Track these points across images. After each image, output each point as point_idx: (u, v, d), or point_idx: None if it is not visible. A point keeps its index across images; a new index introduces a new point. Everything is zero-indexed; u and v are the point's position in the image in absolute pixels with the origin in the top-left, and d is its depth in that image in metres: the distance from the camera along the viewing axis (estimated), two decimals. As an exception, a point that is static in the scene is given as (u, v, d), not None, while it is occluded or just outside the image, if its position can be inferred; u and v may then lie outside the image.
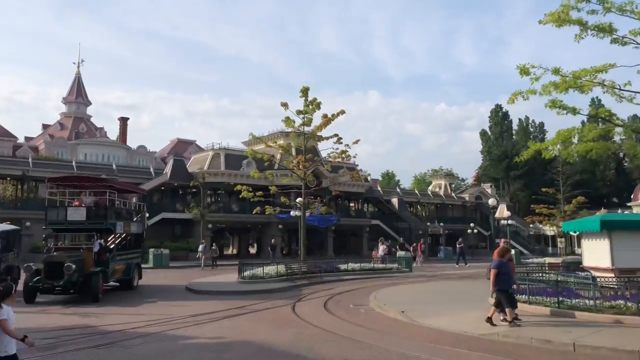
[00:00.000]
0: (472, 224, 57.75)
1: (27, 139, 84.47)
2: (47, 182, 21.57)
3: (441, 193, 68.33)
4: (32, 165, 42.82)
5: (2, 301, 5.73)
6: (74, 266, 16.10)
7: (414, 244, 40.51)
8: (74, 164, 47.84)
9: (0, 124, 78.00)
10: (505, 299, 11.57)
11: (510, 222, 41.36)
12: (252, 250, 55.92)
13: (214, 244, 37.03)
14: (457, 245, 39.20)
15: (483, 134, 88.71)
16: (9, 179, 43.48)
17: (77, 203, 19.22)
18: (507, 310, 11.53)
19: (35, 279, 16.15)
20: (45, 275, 16.07)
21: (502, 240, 14.60)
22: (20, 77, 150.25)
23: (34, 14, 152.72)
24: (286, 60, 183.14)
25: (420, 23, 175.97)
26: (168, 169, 47.15)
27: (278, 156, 40.58)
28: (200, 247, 33.92)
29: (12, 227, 22.89)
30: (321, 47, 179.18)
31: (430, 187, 74.36)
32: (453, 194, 68.88)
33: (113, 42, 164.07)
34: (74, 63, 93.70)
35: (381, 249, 35.21)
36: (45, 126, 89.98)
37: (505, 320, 11.60)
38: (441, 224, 58.51)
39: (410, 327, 12.28)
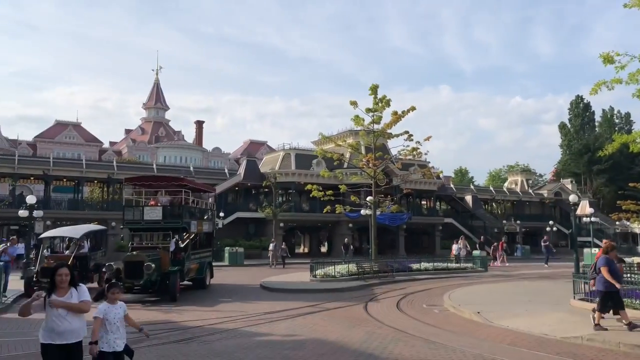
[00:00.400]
0: (551, 222, 55.11)
1: (112, 143, 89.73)
2: (124, 183, 22.27)
3: (517, 189, 65.71)
4: (116, 168, 45.40)
5: (99, 301, 6.26)
6: (153, 265, 16.34)
7: (495, 243, 39.29)
8: (154, 166, 50.32)
9: (88, 130, 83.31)
10: (602, 300, 10.71)
11: (593, 219, 38.97)
12: (323, 249, 56.34)
13: (283, 242, 37.26)
14: (543, 244, 37.27)
15: (562, 127, 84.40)
16: (96, 181, 46.32)
17: (152, 202, 19.45)
18: (596, 313, 10.79)
19: (115, 279, 16.57)
20: (125, 275, 16.24)
21: (605, 240, 13.63)
22: (104, 86, 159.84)
23: (116, 26, 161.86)
24: (354, 59, 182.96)
25: (492, 14, 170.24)
26: (241, 170, 48.46)
27: (347, 155, 40.68)
28: (271, 246, 34.43)
29: (99, 227, 24.40)
30: (390, 44, 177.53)
31: (505, 184, 71.71)
32: (530, 191, 66.03)
33: (188, 48, 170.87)
34: (153, 70, 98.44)
35: (454, 247, 34.45)
36: (127, 131, 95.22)
37: (621, 321, 10.64)
38: (518, 221, 56.28)
39: (486, 328, 11.92)
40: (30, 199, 23.81)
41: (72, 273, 5.74)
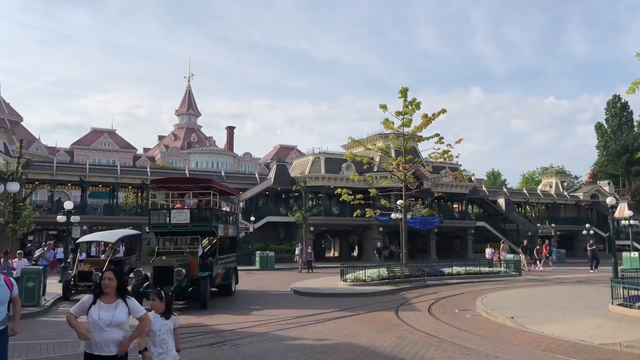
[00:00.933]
0: (587, 225, 53.68)
1: (145, 149, 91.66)
2: (151, 185, 21.03)
3: (552, 192, 64.28)
4: (150, 174, 46.29)
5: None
6: (184, 271, 15.70)
7: (537, 246, 38.37)
8: (186, 171, 51.18)
9: (122, 137, 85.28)
10: None
11: (632, 222, 37.83)
12: (353, 253, 56.19)
13: (309, 246, 36.38)
14: (589, 248, 35.97)
15: (598, 127, 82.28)
16: (130, 187, 47.38)
17: (179, 205, 18.77)
18: None
19: (144, 285, 15.77)
20: (154, 281, 15.36)
21: None
22: (137, 93, 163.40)
23: (148, 34, 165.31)
24: (383, 62, 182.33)
25: (524, 13, 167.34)
26: (272, 174, 48.82)
27: (377, 158, 40.58)
28: (297, 250, 34.12)
29: (134, 231, 24.93)
30: (419, 46, 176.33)
31: (539, 186, 70.24)
32: (565, 193, 64.49)
33: (218, 54, 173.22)
34: (185, 77, 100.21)
35: (488, 251, 33.91)
36: (160, 137, 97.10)
37: None
38: (552, 224, 55.04)
39: (520, 333, 11.69)
40: (68, 205, 24.54)
41: (122, 281, 5.27)
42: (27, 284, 15.31)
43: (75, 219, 26.34)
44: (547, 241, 40.90)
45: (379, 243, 39.07)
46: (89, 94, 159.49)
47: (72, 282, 17.96)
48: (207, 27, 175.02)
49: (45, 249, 21.65)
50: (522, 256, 34.07)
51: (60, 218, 25.37)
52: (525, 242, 37.61)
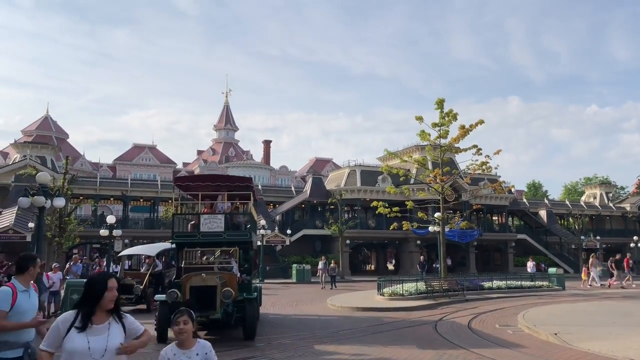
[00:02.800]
0: (635, 237, 51.68)
1: (184, 164, 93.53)
2: (174, 184, 16.46)
3: (596, 203, 62.29)
4: (188, 188, 47.20)
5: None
6: (232, 291, 12.42)
7: (617, 257, 33.26)
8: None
9: (162, 152, 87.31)
10: None
11: (683, 234, 36.19)
12: (390, 266, 55.67)
13: (332, 261, 33.96)
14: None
15: (645, 136, 79.44)
16: (170, 201, 48.38)
17: (206, 210, 15.59)
18: None
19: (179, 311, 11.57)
20: (190, 305, 8.05)
21: None
22: (176, 109, 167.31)
23: (187, 52, 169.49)
24: (419, 73, 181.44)
25: (562, 20, 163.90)
26: (307, 187, 49.04)
27: (414, 170, 40.22)
28: (320, 264, 31.69)
29: (173, 245, 25.36)
30: (455, 56, 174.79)
31: (583, 198, 68.22)
32: (610, 204, 62.38)
33: (255, 70, 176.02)
34: (223, 93, 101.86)
35: (530, 265, 33.04)
36: (199, 152, 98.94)
37: None
38: (597, 237, 53.24)
39: (565, 350, 11.29)
40: (110, 219, 25.27)
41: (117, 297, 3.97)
42: (72, 297, 15.75)
43: (117, 232, 27.06)
44: (628, 254, 36.31)
45: (421, 257, 38.45)
46: (130, 110, 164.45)
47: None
48: (243, 44, 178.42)
49: (72, 262, 21.15)
50: (615, 272, 30.79)
51: (103, 232, 26.12)
52: (618, 255, 33.88)
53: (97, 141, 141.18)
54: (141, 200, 46.70)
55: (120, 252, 25.50)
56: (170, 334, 9.20)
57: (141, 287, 18.25)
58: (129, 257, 22.48)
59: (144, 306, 18.44)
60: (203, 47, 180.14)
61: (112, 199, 46.38)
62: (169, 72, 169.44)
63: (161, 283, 20.24)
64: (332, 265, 31.85)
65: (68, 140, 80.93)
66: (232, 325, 12.98)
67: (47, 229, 20.33)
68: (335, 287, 30.32)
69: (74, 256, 23.12)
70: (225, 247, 15.26)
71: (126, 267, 23.28)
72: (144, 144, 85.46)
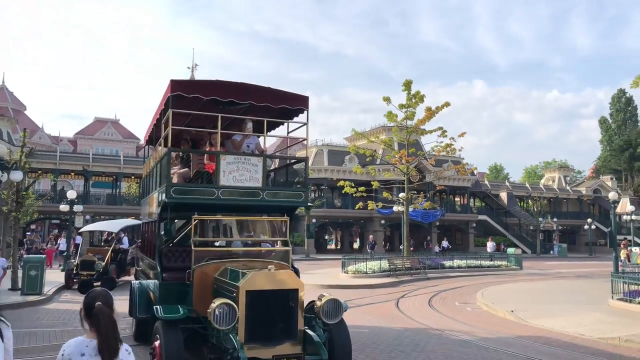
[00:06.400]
0: (589, 220, 53.69)
1: (145, 141, 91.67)
2: (170, 95, 7.67)
3: (555, 186, 64.25)
4: (152, 164, 46.39)
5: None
6: (319, 302, 6.91)
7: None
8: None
9: (125, 127, 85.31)
10: None
11: (634, 217, 37.84)
12: (355, 245, 56.36)
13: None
14: None
15: (603, 121, 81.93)
16: (133, 177, 47.45)
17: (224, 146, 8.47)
18: None
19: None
20: (253, 323, 6.30)
21: None
22: (140, 83, 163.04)
23: (151, 24, 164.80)
24: (386, 54, 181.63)
25: (526, 6, 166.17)
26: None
27: (380, 151, 40.57)
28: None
29: (136, 221, 25.00)
30: (422, 38, 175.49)
31: (542, 181, 70.21)
32: (568, 188, 64.46)
33: (221, 46, 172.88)
34: (188, 68, 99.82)
35: (489, 245, 33.95)
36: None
37: None
38: (554, 219, 55.07)
39: (520, 327, 11.73)
40: (71, 194, 24.65)
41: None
42: (30, 272, 15.40)
43: (78, 208, 26.43)
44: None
45: (371, 236, 38.14)
46: (92, 83, 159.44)
47: (74, 271, 18.06)
48: (210, 19, 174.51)
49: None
50: None
51: (63, 207, 25.47)
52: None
53: (57, 114, 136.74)
54: (103, 175, 45.60)
55: (81, 228, 24.98)
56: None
57: (102, 263, 17.96)
58: (91, 232, 22.04)
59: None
60: (168, 20, 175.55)
61: (72, 173, 45.11)
62: (134, 45, 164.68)
63: (124, 260, 20.00)
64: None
65: (25, 112, 78.10)
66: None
67: (4, 204, 19.71)
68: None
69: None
70: (266, 215, 8.98)
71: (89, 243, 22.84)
72: (106, 118, 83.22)
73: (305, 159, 8.89)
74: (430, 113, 26.16)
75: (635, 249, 30.51)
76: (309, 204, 9.04)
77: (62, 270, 20.50)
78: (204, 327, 6.44)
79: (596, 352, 9.17)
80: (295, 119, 9.04)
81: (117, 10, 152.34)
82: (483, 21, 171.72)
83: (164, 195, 7.51)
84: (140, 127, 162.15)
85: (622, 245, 28.23)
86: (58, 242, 29.53)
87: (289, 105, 8.41)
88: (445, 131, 26.36)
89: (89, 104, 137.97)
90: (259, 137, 8.73)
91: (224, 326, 5.88)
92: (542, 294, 17.47)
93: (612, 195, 23.65)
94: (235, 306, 5.97)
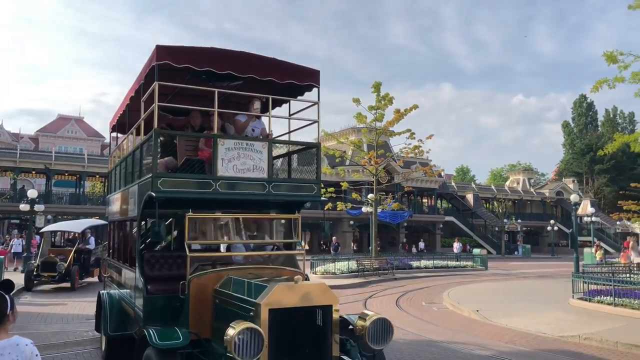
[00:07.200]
0: (552, 221, 55.19)
1: (113, 138, 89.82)
2: (155, 64, 6.17)
3: (519, 188, 65.76)
4: (118, 163, 45.45)
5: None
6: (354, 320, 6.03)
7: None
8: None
9: (90, 125, 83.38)
10: None
11: (594, 219, 39.05)
12: (324, 246, 56.45)
13: None
14: None
15: (565, 125, 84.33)
16: (97, 176, 46.39)
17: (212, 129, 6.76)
18: None
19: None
20: (282, 339, 5.04)
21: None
22: (104, 80, 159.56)
23: (116, 20, 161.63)
24: (355, 56, 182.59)
25: (492, 11, 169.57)
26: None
27: (349, 152, 40.72)
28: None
29: (101, 221, 24.47)
30: (391, 40, 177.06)
31: (507, 183, 71.77)
32: (532, 190, 66.06)
33: (189, 43, 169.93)
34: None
35: (456, 245, 34.43)
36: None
37: None
38: (519, 220, 56.39)
39: (484, 326, 11.94)
40: (32, 193, 23.97)
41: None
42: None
43: (39, 207, 25.72)
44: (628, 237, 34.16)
45: (334, 238, 37.64)
46: (53, 79, 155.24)
47: (34, 272, 17.52)
48: (177, 16, 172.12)
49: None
50: None
51: (23, 207, 24.75)
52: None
53: (17, 110, 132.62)
54: (66, 174, 44.44)
55: (42, 228, 24.30)
56: None
57: (65, 264, 17.50)
58: (53, 233, 21.45)
59: (67, 284, 17.69)
60: (133, 16, 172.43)
61: (34, 172, 43.82)
62: (96, 41, 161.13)
63: (88, 260, 19.54)
64: None
65: (-15, 108, 75.57)
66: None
67: (-39, 202, 19.04)
68: None
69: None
70: (273, 212, 7.78)
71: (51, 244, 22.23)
72: (69, 116, 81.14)
73: (317, 145, 7.33)
74: (399, 115, 26.44)
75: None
76: (322, 198, 7.86)
77: (22, 272, 19.88)
78: (205, 352, 5.39)
79: (557, 350, 9.41)
80: (301, 98, 7.78)
81: (85, 5, 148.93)
82: (451, 25, 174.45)
83: (148, 188, 6.06)
84: (106, 125, 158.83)
85: (596, 247, 29.37)
86: (10, 243, 28.40)
87: (296, 81, 7.07)
88: (413, 133, 26.75)
89: (51, 101, 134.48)
90: (269, 116, 7.04)
91: (249, 358, 4.55)
92: (506, 294, 17.84)
93: (573, 198, 24.36)
94: (262, 332, 4.62)
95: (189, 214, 6.13)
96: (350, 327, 5.66)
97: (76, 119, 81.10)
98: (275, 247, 7.61)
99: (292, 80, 6.96)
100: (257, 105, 7.01)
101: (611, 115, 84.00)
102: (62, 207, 41.77)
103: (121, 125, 9.42)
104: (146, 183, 6.28)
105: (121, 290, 7.82)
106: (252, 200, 6.83)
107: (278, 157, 7.66)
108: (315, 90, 7.29)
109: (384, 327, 5.65)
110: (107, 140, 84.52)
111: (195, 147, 6.91)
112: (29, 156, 43.49)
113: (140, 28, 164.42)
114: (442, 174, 55.89)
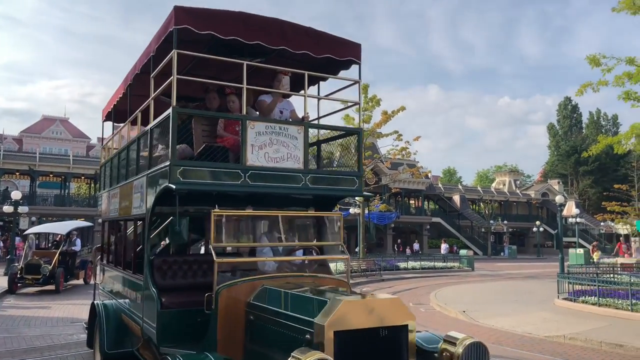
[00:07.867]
0: (537, 222, 55.71)
1: (99, 139, 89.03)
2: (174, 29, 5.29)
3: (505, 190, 66.28)
4: (103, 164, 45.01)
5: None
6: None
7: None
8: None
9: (75, 126, 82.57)
10: None
11: (579, 220, 39.50)
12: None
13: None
14: None
15: (550, 127, 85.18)
16: (83, 177, 45.93)
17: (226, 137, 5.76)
18: None
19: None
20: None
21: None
22: (90, 80, 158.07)
23: (102, 20, 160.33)
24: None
25: (478, 14, 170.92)
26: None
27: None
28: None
29: (86, 223, 24.23)
30: (378, 42, 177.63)
31: (493, 184, 72.30)
32: (518, 191, 66.62)
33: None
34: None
35: (443, 247, 34.66)
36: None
37: None
38: (505, 221, 56.84)
39: (471, 327, 12.00)
40: (15, 195, 23.67)
41: None
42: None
43: (23, 209, 25.39)
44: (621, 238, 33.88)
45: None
46: (37, 79, 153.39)
47: (18, 275, 17.28)
48: (163, 16, 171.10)
49: None
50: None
51: (7, 208, 24.41)
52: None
53: (0, 110, 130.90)
54: (51, 175, 43.93)
55: (26, 230, 23.99)
56: None
57: (49, 267, 17.28)
58: (37, 235, 21.17)
59: (52, 287, 17.47)
60: (119, 16, 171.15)
61: (17, 173, 43.26)
62: (82, 41, 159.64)
63: (73, 263, 19.34)
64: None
65: (-32, 108, 74.49)
66: None
67: (-58, 204, 18.74)
68: None
69: None
70: (310, 210, 6.15)
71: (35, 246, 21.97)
72: (54, 116, 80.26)
73: (359, 131, 6.42)
74: (387, 117, 26.52)
75: (579, 250, 31.79)
76: (365, 193, 6.63)
77: (5, 274, 19.59)
78: None
79: (543, 350, 9.48)
80: (341, 74, 6.63)
81: (71, 5, 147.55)
82: (437, 27, 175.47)
83: (164, 179, 4.99)
84: (91, 126, 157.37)
85: (592, 248, 29.86)
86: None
87: (335, 55, 5.89)
88: (400, 135, 26.86)
89: (35, 101, 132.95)
90: (305, 97, 5.83)
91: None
92: (493, 295, 17.96)
93: (558, 199, 24.59)
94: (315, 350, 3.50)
95: (216, 210, 4.88)
96: (424, 348, 4.41)
97: (61, 120, 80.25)
98: (310, 251, 6.16)
99: (330, 55, 5.82)
100: (285, 81, 5.90)
101: (595, 118, 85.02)
102: (47, 208, 41.32)
103: (119, 112, 8.39)
104: (160, 173, 5.19)
105: (120, 301, 6.82)
106: (286, 194, 5.79)
107: (312, 144, 6.60)
108: (354, 67, 6.23)
109: (479, 354, 4.44)
110: (93, 141, 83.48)
111: (212, 132, 5.84)
112: (13, 157, 42.93)
113: (126, 27, 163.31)
114: (429, 175, 56.07)
